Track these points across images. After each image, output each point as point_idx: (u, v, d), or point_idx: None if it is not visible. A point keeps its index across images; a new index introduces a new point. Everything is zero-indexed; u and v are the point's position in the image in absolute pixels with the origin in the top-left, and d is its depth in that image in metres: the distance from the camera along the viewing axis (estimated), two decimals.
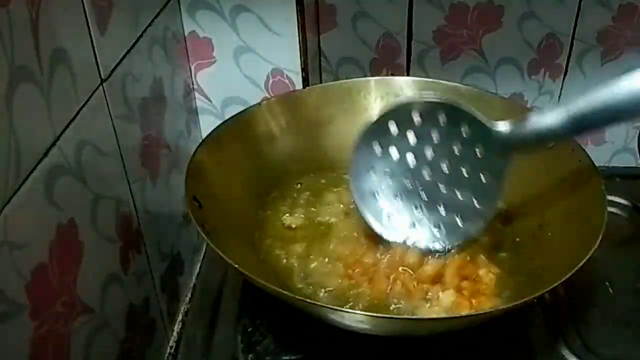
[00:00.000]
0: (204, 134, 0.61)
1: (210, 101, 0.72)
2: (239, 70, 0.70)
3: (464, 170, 0.52)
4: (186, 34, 0.67)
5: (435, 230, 0.55)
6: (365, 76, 0.75)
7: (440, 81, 0.67)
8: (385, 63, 0.76)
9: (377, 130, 0.53)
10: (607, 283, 0.62)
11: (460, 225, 0.54)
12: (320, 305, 0.48)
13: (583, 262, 0.46)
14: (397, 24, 0.74)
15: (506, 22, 0.73)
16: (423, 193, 0.54)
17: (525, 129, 0.49)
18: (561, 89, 0.78)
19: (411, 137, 0.52)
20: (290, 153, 0.66)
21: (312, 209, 0.62)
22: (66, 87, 0.41)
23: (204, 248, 0.72)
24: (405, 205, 0.55)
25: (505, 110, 0.64)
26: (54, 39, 0.39)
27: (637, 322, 0.59)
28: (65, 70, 0.41)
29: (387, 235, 0.56)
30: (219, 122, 0.63)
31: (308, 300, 0.47)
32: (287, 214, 0.62)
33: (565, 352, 0.55)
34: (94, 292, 0.45)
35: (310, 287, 0.54)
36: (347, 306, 0.52)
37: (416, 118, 0.51)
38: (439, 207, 0.54)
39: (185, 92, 0.68)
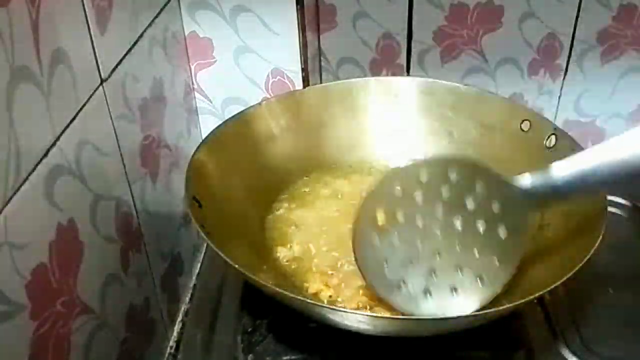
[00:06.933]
0: (204, 134, 0.61)
1: (210, 101, 0.72)
2: (239, 70, 0.70)
3: (480, 226, 0.48)
4: (186, 34, 0.67)
5: (451, 296, 0.49)
6: (365, 76, 0.75)
7: (440, 81, 0.67)
8: (385, 63, 0.76)
9: (380, 196, 0.49)
10: (607, 283, 0.62)
11: (480, 286, 0.49)
12: (320, 305, 0.48)
13: (583, 262, 0.46)
14: (397, 24, 0.74)
15: (506, 22, 0.73)
16: (437, 255, 0.49)
17: (547, 183, 0.46)
18: (561, 89, 0.78)
19: (418, 196, 0.48)
20: (290, 153, 0.66)
21: (312, 209, 0.63)
22: (66, 87, 0.41)
23: (204, 248, 0.72)
24: (418, 270, 0.49)
25: (505, 111, 0.64)
26: (54, 39, 0.39)
27: (637, 322, 0.59)
28: (65, 70, 0.41)
29: (404, 305, 0.49)
30: (219, 122, 0.63)
31: (308, 300, 0.47)
32: (287, 214, 0.62)
33: (565, 352, 0.55)
34: (94, 292, 0.45)
35: (311, 287, 0.54)
36: (350, 306, 0.52)
37: (424, 178, 0.48)
38: (455, 269, 0.49)
39: (185, 92, 0.68)
